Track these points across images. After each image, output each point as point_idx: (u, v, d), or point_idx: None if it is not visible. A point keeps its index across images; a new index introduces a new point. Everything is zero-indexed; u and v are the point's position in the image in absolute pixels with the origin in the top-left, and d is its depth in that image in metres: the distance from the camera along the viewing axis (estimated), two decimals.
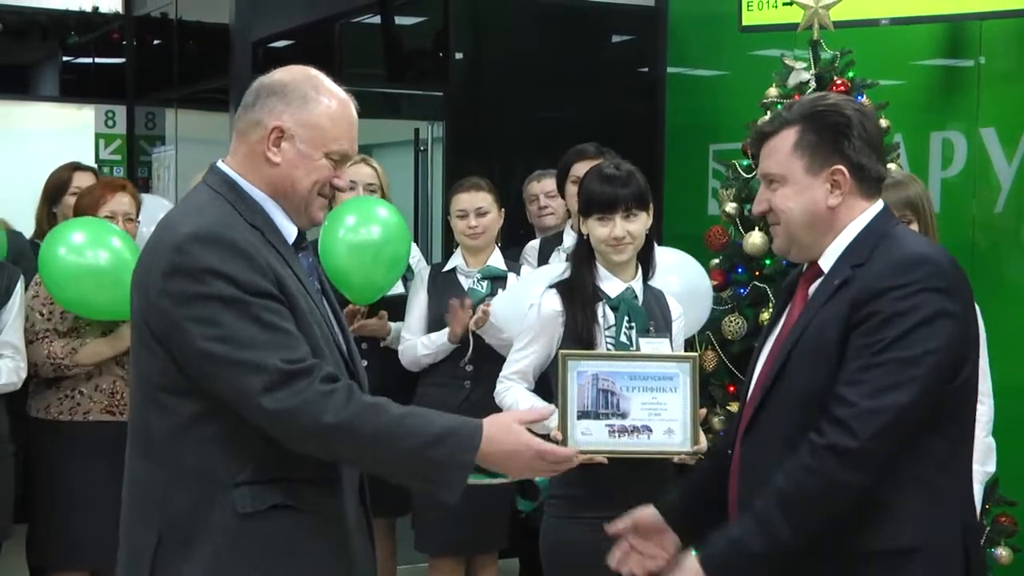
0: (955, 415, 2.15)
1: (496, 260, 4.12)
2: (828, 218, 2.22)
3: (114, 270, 3.63)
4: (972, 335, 2.17)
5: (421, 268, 4.36)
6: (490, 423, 2.17)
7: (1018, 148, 4.20)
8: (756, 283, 4.06)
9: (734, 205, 4.19)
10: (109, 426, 3.75)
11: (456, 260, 4.13)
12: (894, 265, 2.12)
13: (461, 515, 4.01)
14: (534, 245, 4.38)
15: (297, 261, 2.21)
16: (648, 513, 2.44)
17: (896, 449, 2.07)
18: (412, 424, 2.11)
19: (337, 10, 6.18)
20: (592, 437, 2.97)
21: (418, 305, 4.09)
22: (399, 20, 6.13)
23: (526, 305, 3.59)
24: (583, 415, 2.97)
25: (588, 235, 3.20)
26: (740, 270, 4.12)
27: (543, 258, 4.30)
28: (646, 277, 3.28)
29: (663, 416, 2.94)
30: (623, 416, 2.96)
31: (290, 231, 2.23)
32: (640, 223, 3.17)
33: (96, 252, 3.70)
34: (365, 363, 2.60)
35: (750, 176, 4.13)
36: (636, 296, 3.22)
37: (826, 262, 2.24)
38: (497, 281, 4.09)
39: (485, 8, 5.91)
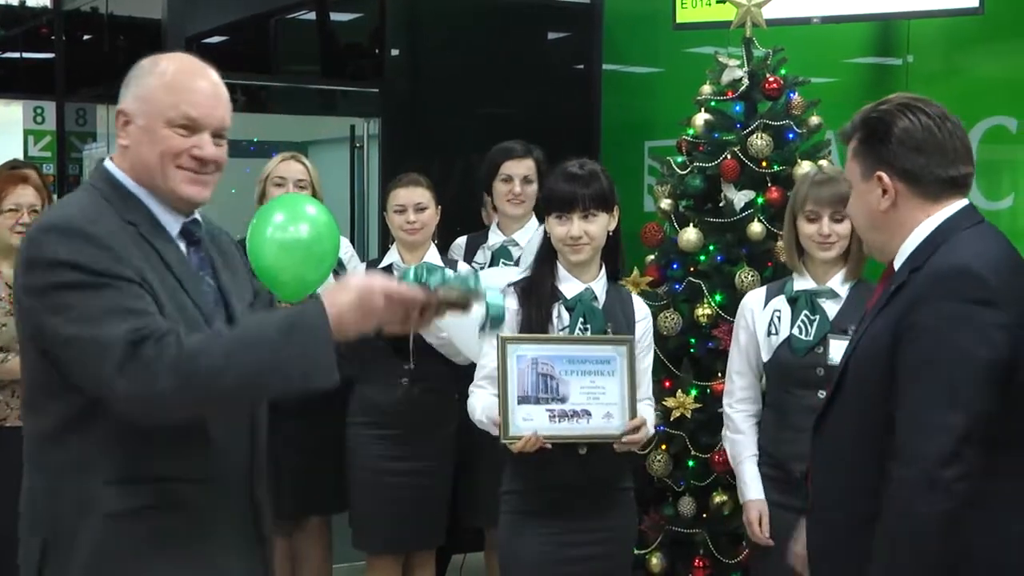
0: (1011, 426, 2.11)
1: (432, 257, 4.10)
2: (887, 221, 2.25)
3: None
4: (1010, 343, 2.10)
5: (354, 263, 4.33)
6: (325, 291, 2.09)
7: None
8: (691, 279, 4.07)
9: (669, 201, 4.20)
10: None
11: (392, 256, 4.10)
12: (934, 275, 2.14)
13: (399, 513, 4.00)
14: (460, 243, 4.35)
15: (178, 257, 2.19)
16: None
17: (970, 469, 2.04)
18: (255, 331, 2.05)
19: (272, 6, 6.12)
20: (533, 423, 2.97)
21: None
22: (335, 16, 6.09)
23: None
24: (523, 400, 2.97)
25: (549, 234, 3.19)
26: (675, 266, 4.13)
27: (469, 255, 4.27)
28: (612, 277, 3.26)
29: (602, 400, 2.96)
30: (563, 400, 2.97)
31: (171, 223, 2.21)
32: (598, 224, 3.14)
33: None
34: None
35: (685, 172, 4.14)
36: (596, 297, 3.20)
37: (898, 263, 2.26)
38: None
39: (421, 5, 5.89)
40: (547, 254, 3.22)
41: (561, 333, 3.16)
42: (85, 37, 6.82)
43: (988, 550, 2.11)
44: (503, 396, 2.94)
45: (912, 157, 2.21)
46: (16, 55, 7.15)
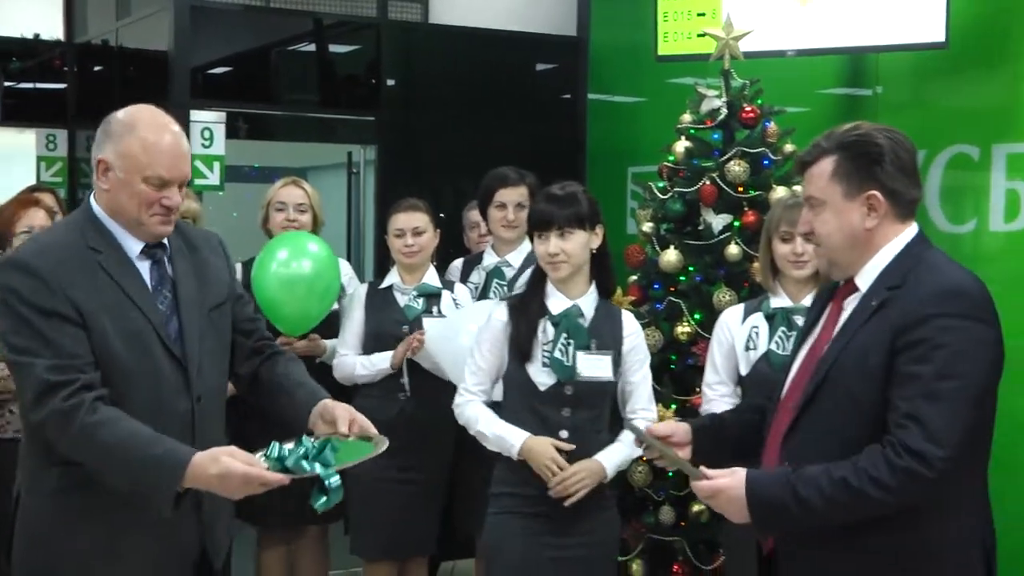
0: (982, 437, 2.22)
1: (431, 278, 4.14)
2: (865, 239, 2.28)
3: None
4: (1000, 360, 2.22)
5: (356, 286, 4.36)
6: (201, 454, 2.32)
7: None
8: (671, 298, 4.12)
9: (651, 224, 4.24)
10: None
11: (392, 278, 4.14)
12: (937, 293, 2.17)
13: (396, 520, 4.03)
14: (457, 265, 4.39)
15: (133, 276, 2.49)
16: (684, 427, 2.50)
17: (952, 476, 2.13)
18: (132, 445, 2.34)
19: (274, 39, 6.15)
20: None
21: (354, 321, 4.09)
22: (333, 48, 6.12)
23: (460, 334, 3.65)
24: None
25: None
26: (657, 286, 4.17)
27: (465, 277, 4.31)
28: (603, 295, 3.27)
29: None
30: None
31: (133, 248, 2.52)
32: (575, 242, 3.16)
33: None
34: None
35: (666, 197, 4.18)
36: (582, 314, 3.21)
37: (863, 280, 2.29)
38: (432, 299, 4.10)
39: (415, 37, 5.94)
40: (539, 272, 3.26)
41: (545, 348, 3.18)
42: (96, 68, 6.84)
43: (946, 547, 2.19)
44: None
45: (900, 178, 2.27)
46: (30, 86, 7.18)
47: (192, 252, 2.63)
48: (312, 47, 6.09)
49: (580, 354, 3.16)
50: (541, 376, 3.17)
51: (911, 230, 2.30)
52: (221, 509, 2.64)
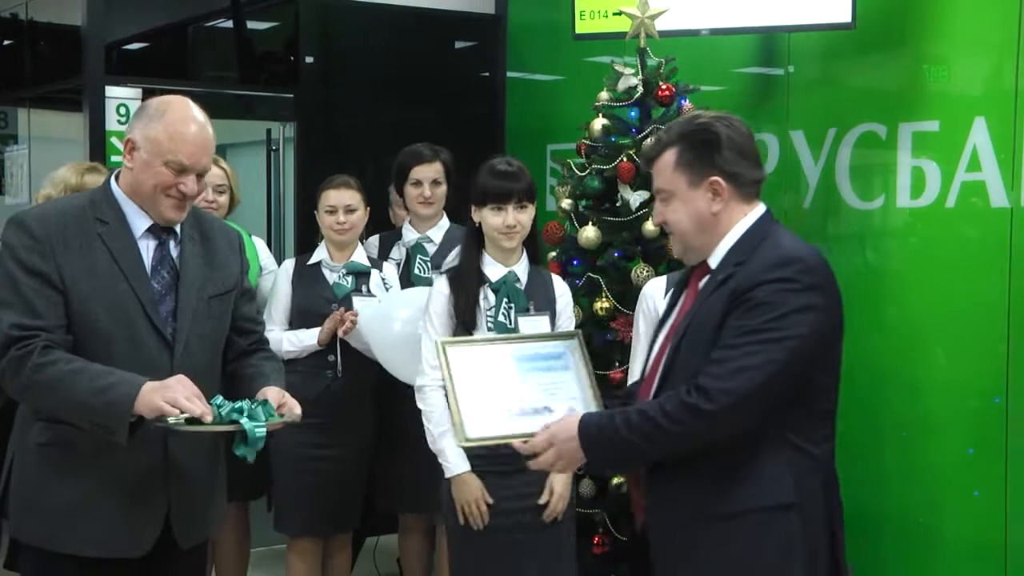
0: (823, 393, 2.34)
1: (360, 256, 4.12)
2: (713, 223, 2.38)
3: None
4: (837, 324, 2.34)
5: (271, 266, 4.32)
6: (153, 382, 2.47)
7: (823, 149, 4.37)
8: (591, 274, 4.15)
9: (569, 201, 4.27)
10: None
11: (321, 254, 4.11)
12: (770, 262, 2.28)
13: (320, 497, 4.02)
14: (373, 242, 4.37)
15: (129, 251, 2.61)
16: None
17: (752, 418, 2.25)
18: (85, 376, 2.47)
19: (190, 14, 6.04)
20: (492, 424, 2.61)
21: (281, 297, 4.06)
22: (251, 24, 6.03)
23: (392, 320, 3.66)
24: (476, 402, 2.63)
25: (480, 224, 3.34)
26: (576, 262, 4.19)
27: (384, 253, 4.30)
28: (533, 261, 3.43)
29: (560, 395, 2.66)
30: (521, 399, 2.64)
31: (140, 224, 2.65)
32: (528, 214, 3.35)
33: None
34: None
35: (584, 174, 4.21)
36: (519, 279, 3.36)
37: (714, 261, 2.39)
38: (361, 276, 4.09)
39: (334, 14, 5.87)
40: (472, 243, 3.37)
41: (488, 314, 3.25)
42: (5, 42, 6.66)
43: (765, 483, 2.30)
44: (453, 400, 2.64)
45: (738, 161, 2.37)
46: None
47: (205, 240, 2.75)
48: (229, 23, 6.00)
49: (520, 318, 3.28)
50: None
51: (758, 210, 2.41)
52: (195, 492, 2.72)
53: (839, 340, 2.37)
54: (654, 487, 2.43)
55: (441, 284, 3.36)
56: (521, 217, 3.32)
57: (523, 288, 3.36)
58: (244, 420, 2.49)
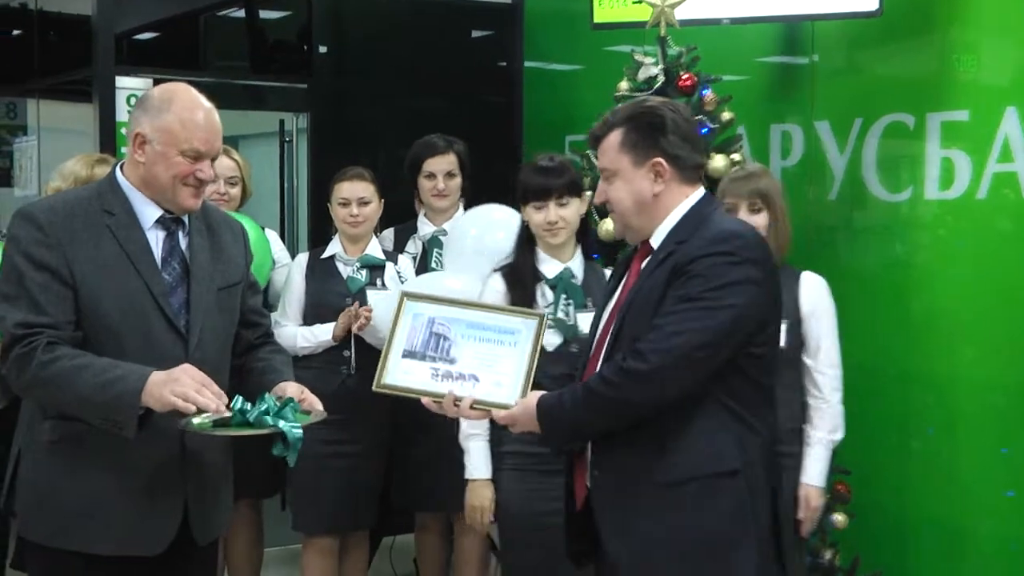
0: (761, 364, 2.42)
1: (374, 249, 4.05)
2: (654, 204, 2.47)
3: None
4: (774, 299, 2.44)
5: (285, 259, 4.25)
6: (159, 371, 2.43)
7: (849, 140, 4.29)
8: (610, 268, 4.06)
9: (589, 193, 4.17)
10: None
11: (335, 247, 4.03)
12: (709, 238, 2.37)
13: (336, 494, 3.95)
14: (388, 235, 4.29)
15: (139, 242, 2.57)
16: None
17: (686, 380, 2.33)
18: (91, 370, 2.42)
19: (202, 4, 5.98)
20: (412, 376, 2.72)
21: (295, 291, 3.98)
22: (264, 14, 5.97)
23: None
24: (408, 354, 2.73)
25: (527, 221, 3.34)
26: (596, 257, 4.10)
27: (399, 246, 4.23)
28: (586, 256, 3.43)
29: (495, 368, 2.68)
30: (451, 362, 2.71)
31: (149, 214, 2.61)
32: (572, 209, 3.33)
33: None
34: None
35: None
36: (574, 275, 3.35)
37: (656, 241, 2.48)
38: (375, 270, 4.01)
39: (348, 3, 5.80)
40: (525, 240, 3.38)
41: (547, 310, 3.25)
42: (15, 32, 6.61)
43: (708, 450, 2.38)
44: (387, 346, 2.73)
45: (682, 145, 2.46)
46: None
47: (211, 232, 2.72)
48: (242, 12, 5.94)
49: (579, 313, 3.28)
50: (548, 338, 3.19)
51: (698, 193, 2.49)
52: (210, 486, 2.70)
53: (777, 316, 2.47)
54: (600, 457, 2.48)
55: (496, 281, 3.35)
56: (563, 213, 3.31)
57: (579, 284, 3.35)
58: (282, 423, 2.47)
